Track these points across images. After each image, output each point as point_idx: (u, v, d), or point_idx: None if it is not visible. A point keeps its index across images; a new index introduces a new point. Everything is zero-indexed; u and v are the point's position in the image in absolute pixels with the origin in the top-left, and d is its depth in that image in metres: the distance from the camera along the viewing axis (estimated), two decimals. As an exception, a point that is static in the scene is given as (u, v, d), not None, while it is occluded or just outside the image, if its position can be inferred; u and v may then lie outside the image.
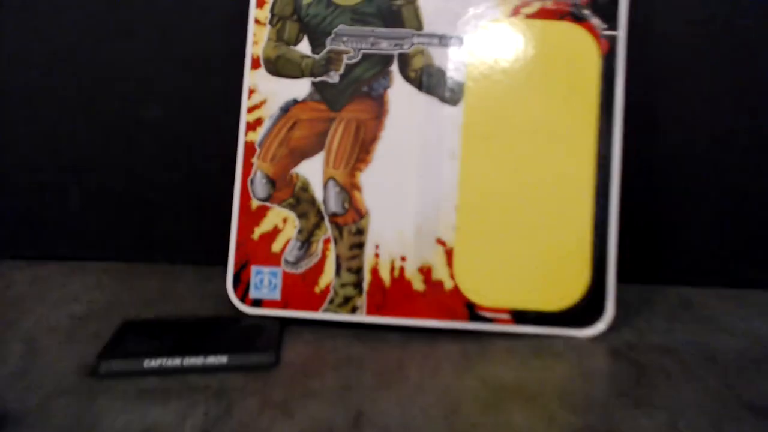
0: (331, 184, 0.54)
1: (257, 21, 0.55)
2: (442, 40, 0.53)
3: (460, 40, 0.53)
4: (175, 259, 0.65)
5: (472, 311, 0.52)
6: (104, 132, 0.64)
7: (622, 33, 0.52)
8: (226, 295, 0.54)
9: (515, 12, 0.53)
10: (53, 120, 0.64)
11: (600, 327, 0.51)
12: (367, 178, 0.53)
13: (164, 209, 0.65)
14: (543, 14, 0.53)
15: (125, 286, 0.60)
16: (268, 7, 0.55)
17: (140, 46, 0.63)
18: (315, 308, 0.53)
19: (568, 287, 0.51)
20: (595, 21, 0.52)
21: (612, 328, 0.52)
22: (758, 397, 0.44)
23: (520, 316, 0.52)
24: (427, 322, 0.52)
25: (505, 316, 0.52)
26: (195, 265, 0.64)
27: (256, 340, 0.49)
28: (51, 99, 0.64)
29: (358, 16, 0.54)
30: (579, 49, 0.52)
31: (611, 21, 0.52)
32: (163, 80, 0.63)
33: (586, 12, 0.52)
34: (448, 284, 0.52)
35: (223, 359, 0.46)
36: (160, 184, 0.65)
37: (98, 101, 0.64)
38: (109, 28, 0.63)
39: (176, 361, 0.46)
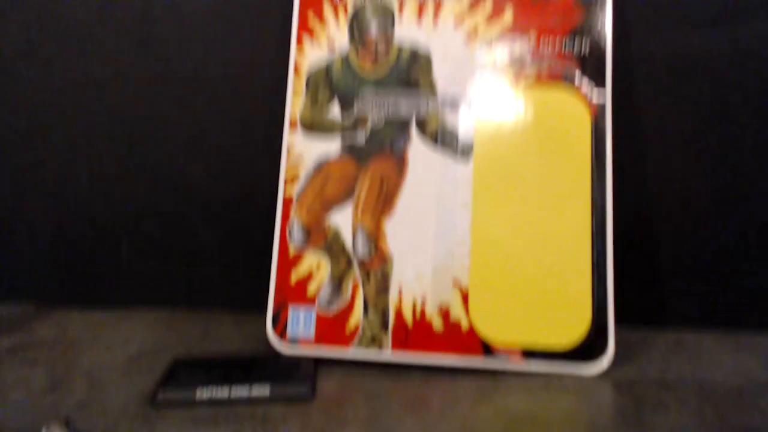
0: (359, 232, 0.60)
1: (294, 88, 0.63)
2: (454, 104, 0.61)
3: (470, 105, 0.61)
4: (214, 304, 0.71)
5: (487, 349, 0.57)
6: (154, 187, 0.71)
7: (608, 99, 0.59)
8: (263, 336, 0.60)
9: (516, 78, 0.60)
10: (108, 176, 0.71)
11: (603, 364, 0.57)
12: (390, 225, 0.60)
13: (204, 260, 0.71)
14: (540, 79, 0.60)
15: (171, 329, 0.66)
16: (303, 75, 0.63)
17: (189, 110, 0.70)
18: (345, 345, 0.58)
19: (572, 326, 0.57)
20: (585, 82, 0.59)
21: (614, 365, 0.57)
22: (747, 424, 0.49)
23: (530, 354, 0.57)
24: (446, 359, 0.57)
25: (517, 354, 0.57)
26: (231, 310, 0.70)
27: (294, 374, 0.54)
28: (107, 157, 0.71)
29: (380, 86, 0.62)
30: (572, 112, 0.59)
31: (599, 80, 0.59)
32: (209, 140, 0.70)
33: (577, 74, 0.59)
34: (465, 324, 0.58)
35: (265, 390, 0.52)
36: (202, 235, 0.71)
37: (149, 158, 0.71)
38: (164, 95, 0.70)
39: (224, 392, 0.51)
